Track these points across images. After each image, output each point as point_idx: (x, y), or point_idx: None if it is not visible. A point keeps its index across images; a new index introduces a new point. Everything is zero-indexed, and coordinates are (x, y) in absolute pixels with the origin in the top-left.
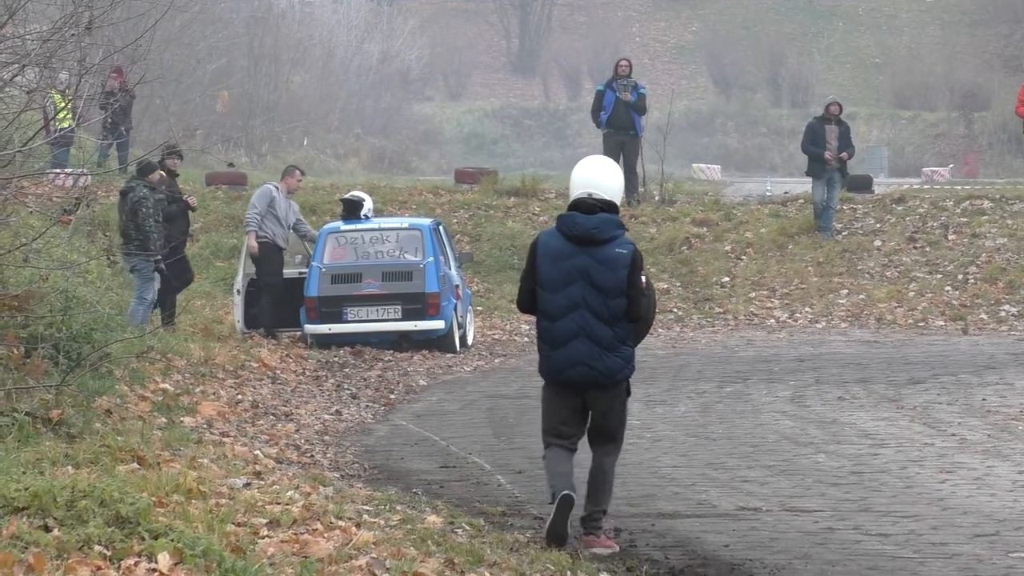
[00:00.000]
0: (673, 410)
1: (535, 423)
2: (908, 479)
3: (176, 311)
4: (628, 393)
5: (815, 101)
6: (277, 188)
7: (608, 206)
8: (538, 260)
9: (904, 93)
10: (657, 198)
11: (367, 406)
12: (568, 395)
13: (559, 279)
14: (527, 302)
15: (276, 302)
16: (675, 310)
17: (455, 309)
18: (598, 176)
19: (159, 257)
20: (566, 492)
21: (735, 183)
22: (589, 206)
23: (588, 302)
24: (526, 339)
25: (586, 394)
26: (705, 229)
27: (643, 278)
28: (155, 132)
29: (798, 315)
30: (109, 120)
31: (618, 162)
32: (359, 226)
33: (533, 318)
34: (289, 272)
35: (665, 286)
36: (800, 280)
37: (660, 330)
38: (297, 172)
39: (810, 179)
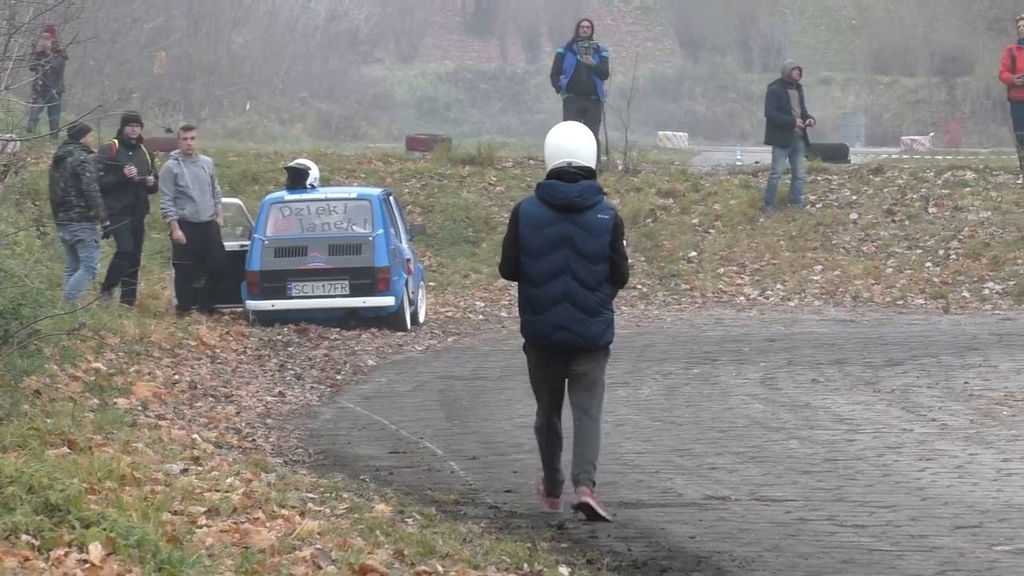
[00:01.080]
0: (637, 393)
1: (490, 406)
2: (885, 467)
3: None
4: (607, 356)
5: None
6: (178, 160)
7: (588, 172)
8: (520, 228)
9: (882, 57)
10: (620, 167)
11: (312, 387)
12: (553, 361)
13: (542, 246)
14: (511, 269)
15: (212, 279)
16: (639, 287)
17: (406, 284)
18: (575, 143)
19: (108, 223)
20: (561, 480)
21: (703, 152)
22: (571, 174)
23: (572, 268)
24: (480, 316)
25: (569, 359)
26: (671, 200)
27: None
28: (88, 95)
29: (769, 292)
30: (40, 82)
31: None
32: (304, 196)
33: (488, 295)
34: (230, 244)
35: (629, 261)
36: (772, 255)
37: (623, 307)
38: (181, 132)
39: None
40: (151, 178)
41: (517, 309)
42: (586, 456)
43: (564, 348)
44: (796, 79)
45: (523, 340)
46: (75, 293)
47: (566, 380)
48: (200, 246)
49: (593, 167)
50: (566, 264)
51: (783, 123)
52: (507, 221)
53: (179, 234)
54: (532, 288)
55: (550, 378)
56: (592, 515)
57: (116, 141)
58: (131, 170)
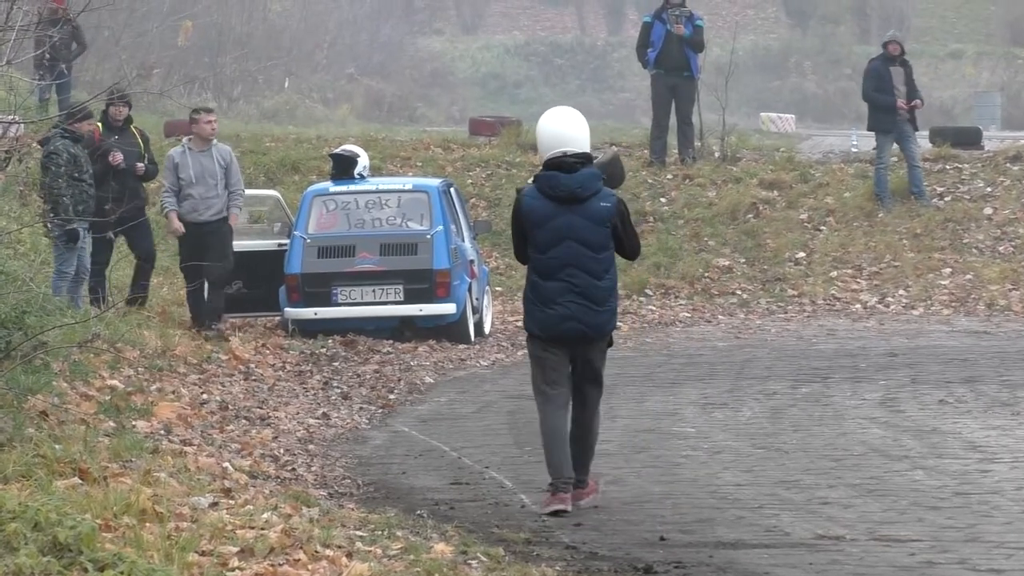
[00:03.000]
0: (736, 415)
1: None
2: None
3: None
4: (610, 343)
5: (912, 36)
6: (187, 148)
7: (586, 159)
8: (525, 223)
9: (1021, 27)
10: (717, 155)
11: (361, 408)
12: (558, 350)
13: (547, 240)
14: (524, 254)
15: (216, 287)
16: (738, 292)
17: (469, 290)
18: (569, 130)
19: (74, 226)
20: (570, 477)
21: (813, 136)
22: (570, 165)
23: (578, 260)
24: None
25: (575, 349)
26: (776, 193)
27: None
28: (103, 71)
29: (890, 299)
30: (47, 57)
31: (669, 109)
32: (352, 187)
33: None
34: (266, 244)
35: (726, 263)
36: (893, 256)
37: (720, 317)
38: (202, 115)
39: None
40: (141, 165)
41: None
42: (581, 458)
43: (572, 339)
44: (895, 54)
45: (525, 334)
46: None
47: (571, 370)
48: (196, 250)
49: (588, 151)
50: (572, 256)
51: (883, 105)
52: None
53: (176, 225)
54: (540, 280)
55: (555, 370)
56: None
57: (99, 124)
58: (116, 156)
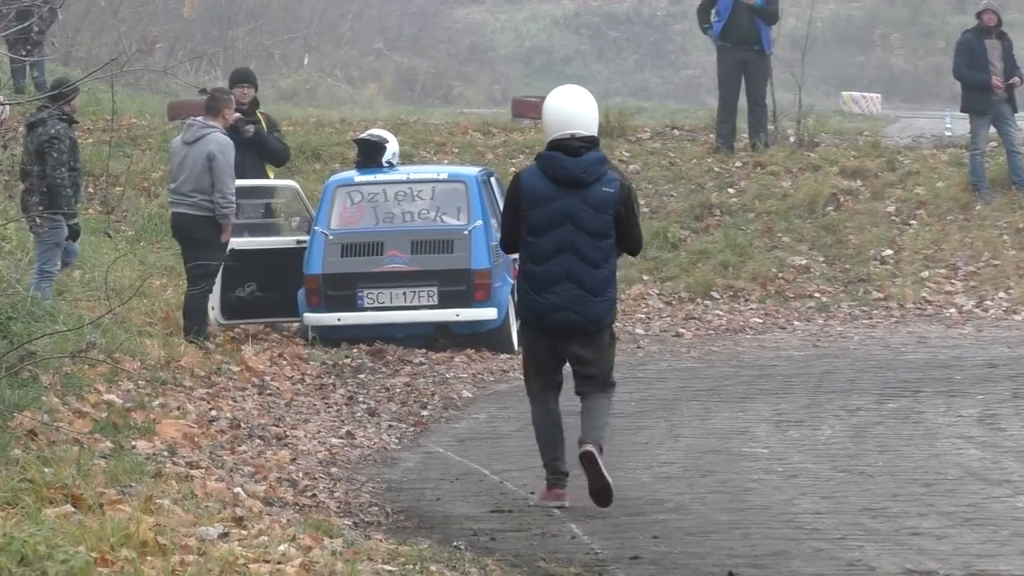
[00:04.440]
0: (815, 434)
1: (622, 451)
2: None
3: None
4: (614, 338)
5: (1013, 5)
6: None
7: (593, 142)
8: (521, 203)
9: None
10: (793, 139)
11: (390, 426)
12: (552, 341)
13: (544, 222)
14: (511, 244)
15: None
16: (817, 295)
17: (512, 292)
18: (577, 110)
19: (75, 221)
20: (565, 472)
21: (901, 119)
22: (575, 148)
23: (575, 245)
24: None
25: (571, 341)
26: (859, 183)
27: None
28: (99, 45)
29: (989, 302)
30: (35, 30)
31: (738, 88)
32: (380, 177)
33: (619, 306)
34: (283, 241)
35: (803, 261)
36: (992, 254)
37: (796, 323)
38: (231, 100)
39: (967, 116)
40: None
41: (517, 289)
42: (592, 423)
43: (567, 330)
44: (991, 25)
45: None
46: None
47: (565, 363)
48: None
49: (596, 134)
50: (569, 241)
51: (977, 84)
52: (644, 209)
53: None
54: (533, 265)
55: (548, 359)
56: (594, 471)
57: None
58: (247, 129)
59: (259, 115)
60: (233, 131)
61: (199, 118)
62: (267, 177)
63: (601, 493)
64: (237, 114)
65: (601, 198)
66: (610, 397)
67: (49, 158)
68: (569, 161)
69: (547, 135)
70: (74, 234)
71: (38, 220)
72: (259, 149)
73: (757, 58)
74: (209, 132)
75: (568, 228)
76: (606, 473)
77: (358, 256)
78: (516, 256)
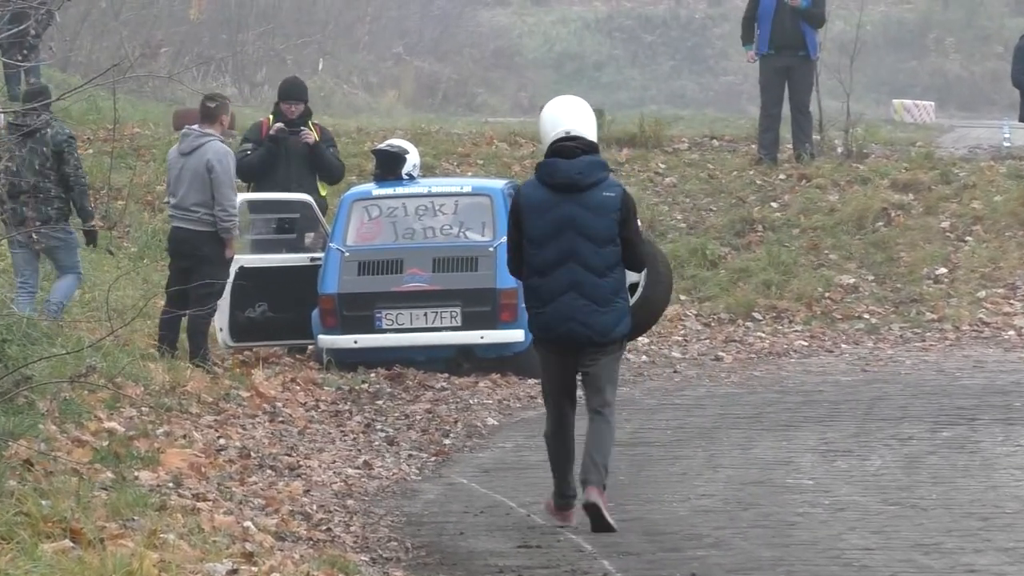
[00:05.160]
0: (864, 464)
1: (658, 482)
2: None
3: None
4: (622, 352)
5: None
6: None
7: (590, 147)
8: (522, 214)
9: None
10: (841, 150)
11: (410, 456)
12: (564, 357)
13: (546, 232)
14: (519, 264)
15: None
16: (866, 316)
17: None
18: (570, 111)
19: (93, 224)
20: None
21: (957, 128)
22: (570, 150)
23: (579, 253)
24: (644, 358)
25: (580, 354)
26: (912, 196)
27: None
28: (100, 50)
29: None
30: (32, 33)
31: (781, 95)
32: (400, 190)
33: (655, 328)
34: (296, 258)
35: (851, 280)
36: None
37: (844, 346)
38: (227, 105)
39: None
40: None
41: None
42: (595, 458)
43: (575, 342)
44: None
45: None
46: (64, 304)
47: (578, 380)
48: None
49: (595, 140)
50: (572, 249)
51: None
52: (681, 225)
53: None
54: (537, 278)
55: (561, 376)
56: (598, 519)
57: (271, 116)
58: (308, 135)
59: (311, 126)
60: (273, 141)
61: (195, 126)
62: (319, 194)
63: (602, 531)
64: (279, 124)
65: (601, 201)
66: (613, 423)
67: (71, 158)
68: (563, 163)
69: (544, 143)
70: (92, 238)
71: (41, 231)
72: (314, 162)
73: (802, 64)
74: (206, 141)
75: (570, 235)
76: (611, 521)
77: (376, 274)
78: None
